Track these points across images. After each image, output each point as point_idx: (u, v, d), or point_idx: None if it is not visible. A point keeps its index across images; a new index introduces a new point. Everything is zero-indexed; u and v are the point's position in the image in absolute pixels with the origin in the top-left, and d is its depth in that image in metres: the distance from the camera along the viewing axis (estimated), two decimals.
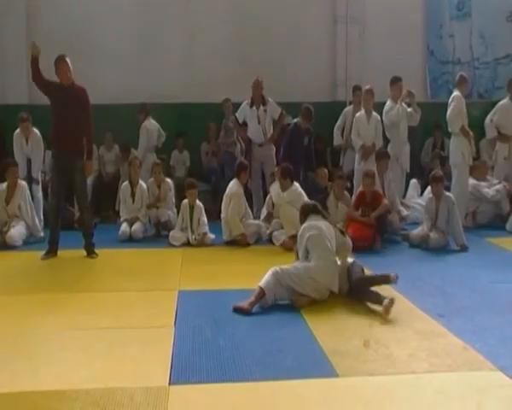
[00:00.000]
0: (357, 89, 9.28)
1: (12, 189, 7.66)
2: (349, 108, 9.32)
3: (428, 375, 3.64)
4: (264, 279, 4.89)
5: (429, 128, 9.91)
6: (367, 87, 8.54)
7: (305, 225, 5.25)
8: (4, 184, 7.70)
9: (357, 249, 6.74)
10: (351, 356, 3.91)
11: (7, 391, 3.41)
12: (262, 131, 8.45)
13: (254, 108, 8.48)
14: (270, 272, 4.93)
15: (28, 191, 7.81)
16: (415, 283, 5.60)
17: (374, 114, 8.46)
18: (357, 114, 8.58)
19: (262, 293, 4.84)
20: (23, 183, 7.77)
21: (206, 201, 8.58)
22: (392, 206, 7.68)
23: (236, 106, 8.98)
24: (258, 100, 8.46)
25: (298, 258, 5.26)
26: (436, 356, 3.91)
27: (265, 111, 8.45)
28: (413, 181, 8.96)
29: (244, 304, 4.79)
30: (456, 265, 6.46)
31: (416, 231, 7.29)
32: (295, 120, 8.57)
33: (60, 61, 6.64)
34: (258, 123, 8.45)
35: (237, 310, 4.78)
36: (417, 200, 8.46)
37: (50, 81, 6.71)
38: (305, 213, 5.37)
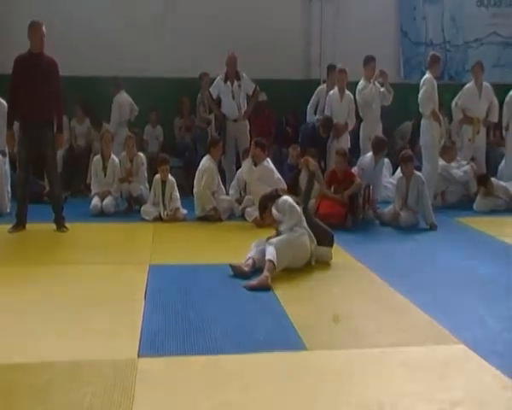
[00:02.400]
0: (331, 68, 9.28)
1: None
2: (323, 87, 9.31)
3: (395, 349, 3.71)
4: (270, 253, 4.91)
5: (403, 109, 9.96)
6: (340, 66, 8.58)
7: (284, 198, 5.35)
8: None
9: (329, 226, 6.81)
10: (320, 330, 3.97)
11: None
12: (236, 106, 8.39)
13: (228, 83, 8.41)
14: (271, 247, 4.96)
15: (3, 165, 7.63)
16: (384, 259, 5.68)
17: (347, 92, 8.50)
18: (331, 93, 8.60)
19: (273, 266, 4.87)
20: None
21: (179, 176, 8.52)
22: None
23: (210, 82, 8.90)
24: (233, 75, 8.39)
25: (278, 232, 5.29)
26: (403, 331, 3.99)
27: (240, 86, 8.39)
28: (385, 160, 9.03)
29: (263, 281, 4.75)
30: (425, 243, 6.57)
31: (387, 210, 7.39)
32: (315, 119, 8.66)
33: (35, 26, 6.49)
34: (233, 98, 8.38)
35: (257, 289, 4.70)
36: (389, 179, 8.54)
37: (16, 70, 6.54)
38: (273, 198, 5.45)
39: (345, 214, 7.16)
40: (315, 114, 9.20)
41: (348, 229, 6.99)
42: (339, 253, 5.80)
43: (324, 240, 5.53)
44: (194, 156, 9.11)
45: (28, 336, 3.77)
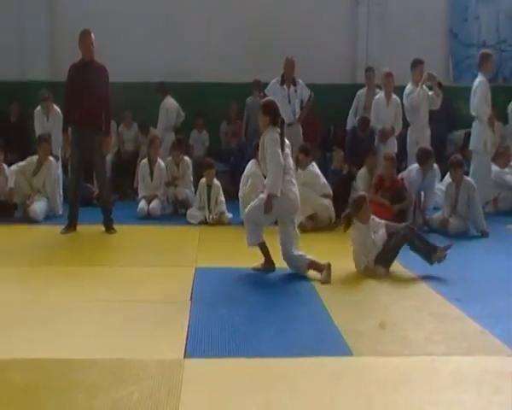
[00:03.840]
0: (369, 70, 9.16)
1: (41, 164, 7.73)
2: (362, 91, 9.20)
3: (444, 358, 3.60)
4: None
5: (453, 113, 9.74)
6: (386, 69, 8.40)
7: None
8: (35, 158, 7.77)
9: None
10: (366, 336, 3.90)
11: (24, 357, 3.46)
12: (291, 111, 8.36)
13: (285, 86, 8.40)
14: None
15: (56, 169, 7.87)
16: (433, 267, 5.52)
17: (394, 96, 8.32)
18: (377, 97, 8.46)
19: None
20: (53, 160, 7.82)
21: (225, 181, 8.57)
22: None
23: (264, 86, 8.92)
24: (290, 79, 8.38)
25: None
26: (452, 339, 3.87)
27: (296, 91, 8.37)
28: (434, 166, 8.83)
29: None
30: (476, 250, 6.40)
31: (436, 216, 7.22)
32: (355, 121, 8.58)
33: (84, 35, 6.69)
34: (289, 102, 8.36)
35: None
36: (437, 185, 8.34)
37: (70, 77, 6.75)
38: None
39: (392, 220, 7.03)
40: (355, 117, 9.10)
41: None
42: None
43: None
44: (240, 161, 9.13)
45: (75, 333, 3.84)
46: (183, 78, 9.84)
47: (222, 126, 10.15)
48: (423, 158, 7.38)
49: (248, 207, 5.39)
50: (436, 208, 7.63)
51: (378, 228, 5.35)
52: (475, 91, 7.78)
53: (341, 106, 9.46)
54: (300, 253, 5.17)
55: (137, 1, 10.08)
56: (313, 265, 5.11)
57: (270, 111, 5.21)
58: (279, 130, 5.18)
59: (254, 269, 5.29)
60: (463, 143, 9.33)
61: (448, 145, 9.80)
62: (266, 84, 8.65)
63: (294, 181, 5.28)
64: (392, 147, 8.25)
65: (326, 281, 4.97)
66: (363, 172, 7.66)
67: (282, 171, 5.05)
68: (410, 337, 3.90)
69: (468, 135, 8.67)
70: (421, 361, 3.56)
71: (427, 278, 5.14)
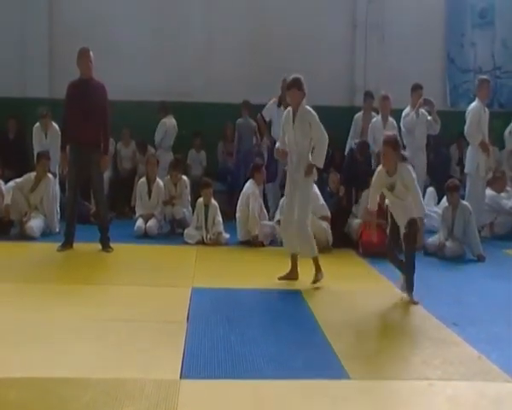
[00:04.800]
0: (368, 95, 9.23)
1: (39, 180, 7.73)
2: (359, 114, 9.25)
3: (442, 382, 3.59)
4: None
5: (452, 136, 9.83)
6: (383, 93, 8.50)
7: None
8: (32, 174, 7.77)
9: (373, 254, 6.72)
10: (364, 359, 3.89)
11: (20, 376, 3.43)
12: None
13: (282, 108, 8.46)
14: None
15: (54, 186, 7.87)
16: (430, 291, 5.54)
17: (390, 119, 8.39)
18: (374, 120, 8.53)
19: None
20: (51, 177, 7.82)
21: (222, 200, 8.57)
22: None
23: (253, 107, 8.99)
24: (287, 101, 8.43)
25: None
26: (450, 364, 3.86)
27: None
28: (430, 189, 8.87)
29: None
30: (473, 274, 6.41)
31: (432, 240, 7.23)
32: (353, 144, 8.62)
33: (83, 53, 6.73)
34: None
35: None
36: (434, 208, 8.38)
37: (69, 95, 6.78)
38: None
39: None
40: (352, 140, 9.11)
41: None
42: (382, 282, 5.71)
43: None
44: (237, 181, 9.16)
45: (71, 352, 3.81)
46: (182, 97, 9.90)
47: (219, 146, 10.20)
48: None
49: (298, 217, 5.50)
50: (432, 232, 7.64)
51: None
52: (467, 116, 7.88)
53: (339, 128, 9.47)
54: None
55: (137, 20, 10.14)
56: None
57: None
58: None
59: (280, 279, 5.54)
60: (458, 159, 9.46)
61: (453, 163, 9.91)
62: (264, 106, 8.71)
63: None
64: None
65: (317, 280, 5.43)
66: (365, 195, 7.60)
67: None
68: (408, 361, 3.89)
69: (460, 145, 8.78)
70: (419, 385, 3.54)
71: (423, 300, 5.12)
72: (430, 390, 3.49)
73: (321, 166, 5.70)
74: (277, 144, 5.95)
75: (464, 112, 8.13)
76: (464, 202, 7.21)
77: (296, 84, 5.56)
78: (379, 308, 5.02)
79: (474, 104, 7.95)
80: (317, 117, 5.60)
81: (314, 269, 5.55)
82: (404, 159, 5.21)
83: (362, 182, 7.68)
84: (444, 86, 10.71)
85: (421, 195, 5.36)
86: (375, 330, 4.52)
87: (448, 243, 7.00)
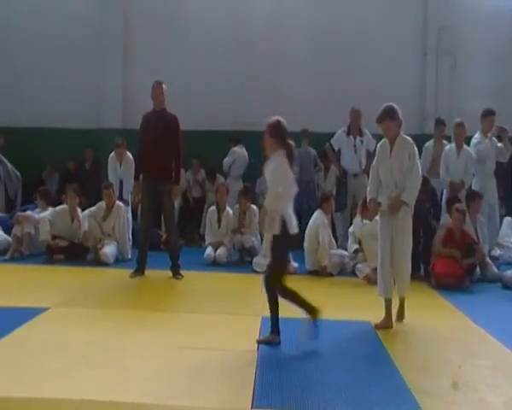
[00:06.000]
0: (439, 122, 8.98)
1: (110, 209, 8.01)
2: (430, 143, 8.88)
3: None
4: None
5: None
6: (458, 120, 8.19)
7: None
8: (104, 203, 8.06)
9: (446, 286, 6.53)
10: (438, 396, 3.75)
11: (94, 399, 3.52)
12: (358, 161, 8.37)
13: (351, 137, 8.44)
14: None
15: (125, 213, 8.12)
16: (508, 326, 5.31)
17: (465, 148, 8.06)
18: (447, 148, 8.24)
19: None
20: (121, 204, 8.09)
21: None
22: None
23: (320, 135, 8.97)
24: (356, 130, 8.43)
25: None
26: None
27: (362, 142, 8.39)
28: (508, 219, 8.53)
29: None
30: None
31: (511, 272, 6.92)
32: None
33: (157, 85, 6.96)
34: (355, 153, 8.38)
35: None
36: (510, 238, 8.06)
37: (143, 126, 7.00)
38: None
39: (462, 274, 6.82)
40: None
41: (466, 289, 6.64)
42: (457, 315, 5.53)
43: None
44: (304, 210, 9.13)
45: (140, 378, 3.87)
46: (249, 127, 10.05)
47: None
48: (468, 200, 7.28)
49: (403, 254, 5.13)
50: (510, 264, 7.34)
51: None
52: None
53: None
54: None
55: (203, 57, 10.47)
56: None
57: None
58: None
59: (376, 327, 5.09)
60: None
61: None
62: (333, 134, 8.71)
63: None
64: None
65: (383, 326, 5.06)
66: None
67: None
68: (487, 401, 3.71)
69: None
70: None
71: (501, 336, 4.90)
72: None
73: (412, 203, 5.10)
74: (369, 195, 5.33)
75: None
76: None
77: (388, 115, 5.06)
78: (453, 343, 4.84)
79: None
80: (416, 149, 5.15)
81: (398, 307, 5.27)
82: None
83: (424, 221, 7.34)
84: None
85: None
86: (449, 364, 4.35)
87: None
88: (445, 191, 8.13)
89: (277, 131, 4.66)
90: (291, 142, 4.70)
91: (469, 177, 8.03)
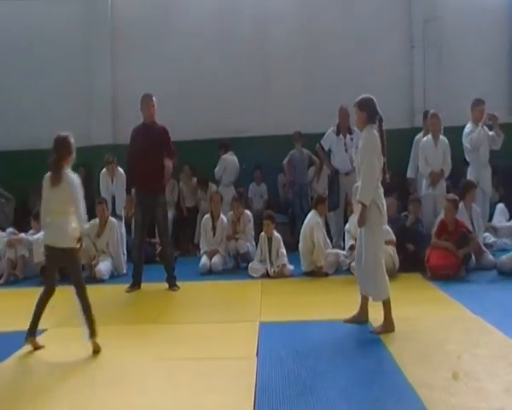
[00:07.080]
0: (426, 114, 9.00)
1: (103, 225, 7.99)
2: (420, 135, 8.96)
3: None
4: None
5: None
6: (432, 111, 8.28)
7: None
8: (97, 220, 8.05)
9: (442, 277, 6.53)
10: (439, 388, 3.73)
11: None
12: (349, 159, 8.38)
13: (341, 136, 8.45)
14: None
15: (118, 229, 8.10)
16: (506, 313, 5.30)
17: (441, 138, 8.10)
18: (424, 139, 8.27)
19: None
20: (113, 220, 8.08)
21: (285, 232, 8.58)
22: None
23: (310, 136, 8.95)
24: (345, 128, 8.44)
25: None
26: None
27: (352, 140, 8.40)
28: (500, 205, 8.56)
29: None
30: None
31: (507, 257, 6.93)
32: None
33: (146, 98, 6.96)
34: (346, 151, 8.39)
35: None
36: (505, 224, 8.06)
37: (133, 139, 7.00)
38: None
39: (458, 265, 6.83)
40: (415, 164, 8.88)
41: (463, 279, 6.64)
42: (454, 306, 5.52)
43: None
44: (298, 212, 9.15)
45: (143, 392, 3.86)
46: (239, 133, 10.07)
47: (279, 178, 10.24)
48: (464, 190, 7.30)
49: (365, 256, 4.96)
50: (505, 250, 7.34)
51: None
52: None
53: (400, 151, 9.36)
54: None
55: (191, 69, 10.49)
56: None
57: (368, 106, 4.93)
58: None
59: (346, 321, 5.07)
60: None
61: None
62: (323, 135, 8.71)
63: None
64: (441, 189, 7.99)
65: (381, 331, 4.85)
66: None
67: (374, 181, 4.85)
68: (487, 389, 3.70)
69: None
70: None
71: (499, 324, 4.89)
72: None
73: (365, 202, 4.94)
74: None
75: None
76: None
77: (357, 104, 5.04)
78: (451, 334, 4.83)
79: None
80: (374, 144, 5.06)
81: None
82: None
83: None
84: (509, 98, 10.36)
85: None
86: (448, 355, 4.34)
87: None
88: (424, 182, 8.12)
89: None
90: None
91: (448, 166, 8.06)
